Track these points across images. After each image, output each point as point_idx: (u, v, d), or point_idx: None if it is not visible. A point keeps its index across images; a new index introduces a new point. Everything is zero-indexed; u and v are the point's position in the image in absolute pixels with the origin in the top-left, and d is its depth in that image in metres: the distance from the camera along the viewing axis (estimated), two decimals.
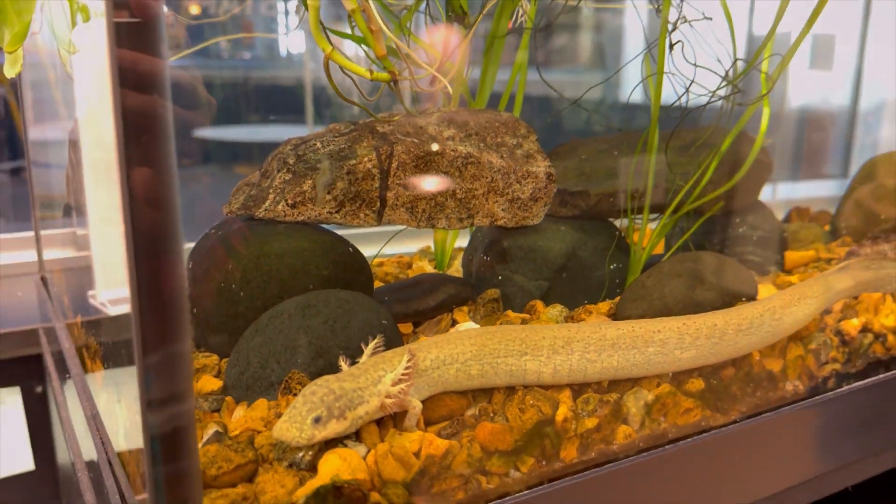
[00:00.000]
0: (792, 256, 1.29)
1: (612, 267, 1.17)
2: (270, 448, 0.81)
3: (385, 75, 1.04)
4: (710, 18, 1.04)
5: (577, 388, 0.94)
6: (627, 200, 1.14)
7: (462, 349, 0.87)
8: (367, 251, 1.40)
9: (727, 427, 1.00)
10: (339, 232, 1.11)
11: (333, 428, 0.78)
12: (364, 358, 0.87)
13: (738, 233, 1.26)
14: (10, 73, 1.02)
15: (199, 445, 0.80)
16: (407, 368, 0.82)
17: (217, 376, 0.96)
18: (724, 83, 1.09)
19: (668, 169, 1.14)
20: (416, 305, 1.12)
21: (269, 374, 0.90)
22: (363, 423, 0.81)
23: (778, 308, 1.01)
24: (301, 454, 0.79)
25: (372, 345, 0.88)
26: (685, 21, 1.06)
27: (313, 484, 0.75)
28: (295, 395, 0.88)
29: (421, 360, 0.86)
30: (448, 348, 0.87)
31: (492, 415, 0.89)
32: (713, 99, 1.10)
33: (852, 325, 1.09)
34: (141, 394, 0.57)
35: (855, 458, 1.12)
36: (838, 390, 1.09)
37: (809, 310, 1.05)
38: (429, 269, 1.38)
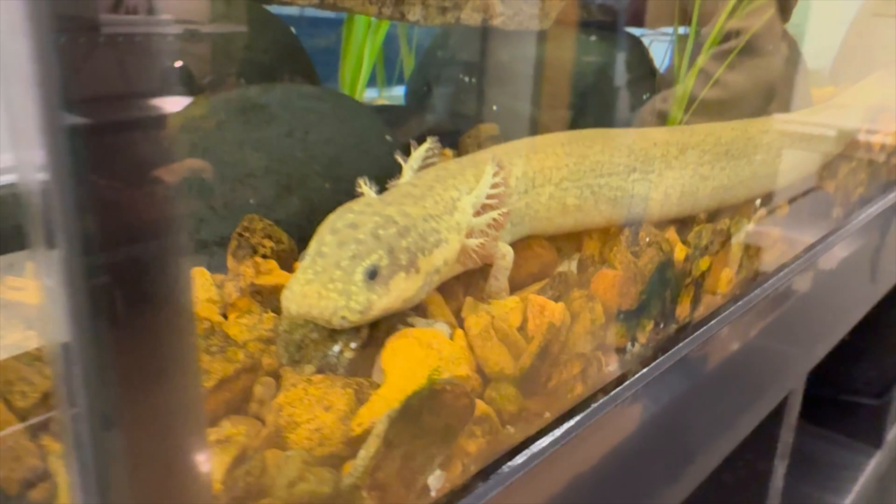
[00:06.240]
0: None
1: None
2: (263, 346, 0.42)
3: None
4: None
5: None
6: None
7: (555, 162, 0.53)
8: None
9: None
10: None
11: (400, 288, 0.41)
12: (407, 173, 0.50)
13: None
14: None
15: None
16: (495, 186, 0.47)
17: None
18: None
19: None
20: None
21: (200, 225, 0.49)
22: (440, 280, 0.45)
23: None
24: (338, 347, 0.41)
25: (423, 149, 0.50)
26: None
27: (396, 390, 0.39)
28: (264, 256, 0.48)
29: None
30: (538, 160, 0.53)
31: (597, 264, 0.57)
32: None
33: None
34: None
35: None
36: None
37: None
38: None
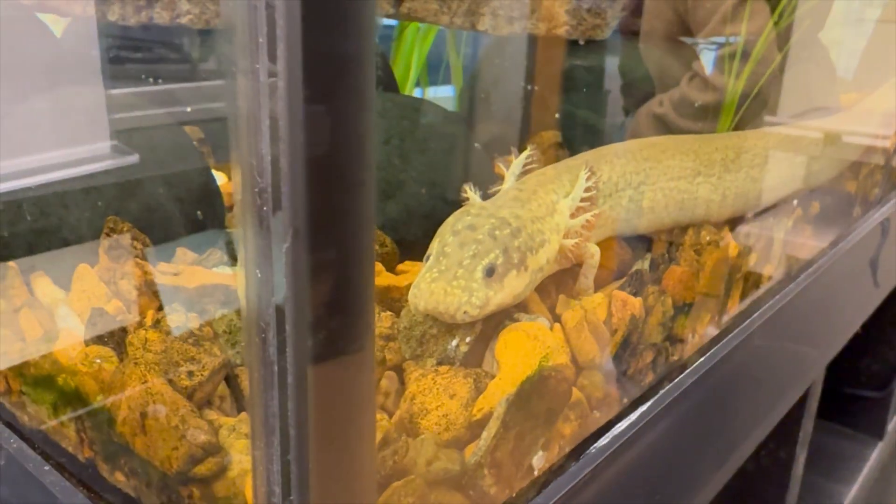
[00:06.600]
0: None
1: None
2: (383, 343, 0.46)
3: None
4: None
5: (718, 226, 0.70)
6: None
7: (635, 167, 0.58)
8: None
9: None
10: None
11: (512, 285, 0.46)
12: (509, 179, 0.54)
13: None
14: None
15: None
16: (587, 189, 0.51)
17: None
18: None
19: None
20: None
21: None
22: (542, 278, 0.50)
23: None
24: (455, 341, 0.46)
25: (523, 156, 0.55)
26: None
27: (510, 378, 0.43)
28: None
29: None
30: (620, 165, 0.57)
31: (666, 262, 0.62)
32: None
33: None
34: None
35: None
36: None
37: None
38: None
